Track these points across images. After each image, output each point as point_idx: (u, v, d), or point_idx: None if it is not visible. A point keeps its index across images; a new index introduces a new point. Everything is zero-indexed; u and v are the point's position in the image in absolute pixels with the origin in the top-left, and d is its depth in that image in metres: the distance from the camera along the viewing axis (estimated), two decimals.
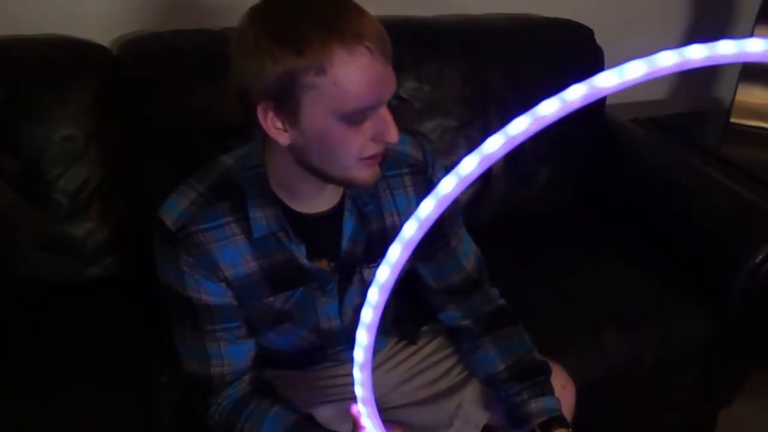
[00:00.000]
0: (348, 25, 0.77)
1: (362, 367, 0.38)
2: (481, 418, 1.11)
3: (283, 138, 0.84)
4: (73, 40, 1.42)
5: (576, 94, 0.30)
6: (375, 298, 0.36)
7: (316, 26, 0.77)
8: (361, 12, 0.80)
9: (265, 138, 0.89)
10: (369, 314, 0.36)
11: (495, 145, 0.31)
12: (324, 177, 0.88)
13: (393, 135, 0.83)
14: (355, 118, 0.81)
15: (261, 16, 0.80)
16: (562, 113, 0.30)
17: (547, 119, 0.30)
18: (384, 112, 0.83)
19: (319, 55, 0.76)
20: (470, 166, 0.32)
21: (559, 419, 1.02)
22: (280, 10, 0.80)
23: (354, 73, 0.78)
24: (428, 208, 0.33)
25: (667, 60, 0.29)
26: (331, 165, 0.86)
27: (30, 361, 1.21)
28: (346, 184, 0.92)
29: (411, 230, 0.34)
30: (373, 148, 0.85)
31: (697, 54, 0.29)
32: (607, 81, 0.30)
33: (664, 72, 0.30)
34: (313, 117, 0.81)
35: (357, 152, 0.84)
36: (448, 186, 0.33)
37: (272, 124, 0.83)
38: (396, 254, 0.35)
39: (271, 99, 0.81)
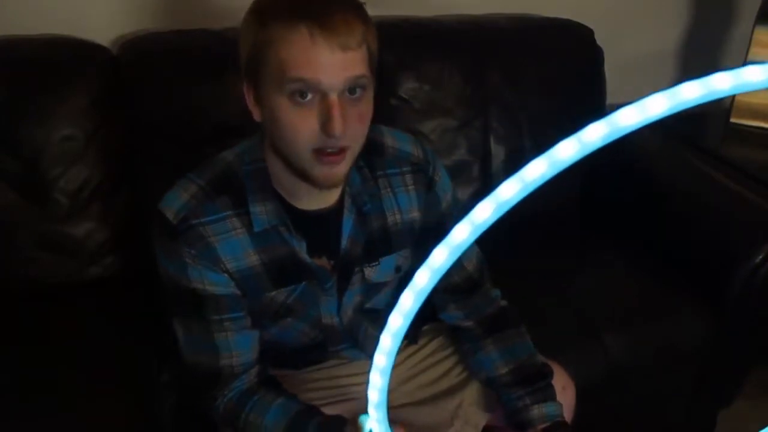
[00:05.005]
0: (306, 6, 0.81)
1: (382, 372, 0.37)
2: (482, 418, 1.11)
3: (256, 113, 0.89)
4: (73, 40, 1.42)
5: (595, 134, 0.29)
6: (388, 344, 0.36)
7: (287, 5, 0.82)
8: (335, 1, 0.83)
9: (263, 133, 0.91)
10: (398, 319, 0.35)
11: (510, 191, 0.30)
12: (288, 164, 0.89)
13: (335, 127, 0.82)
14: (294, 89, 0.82)
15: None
16: (582, 154, 0.29)
17: (565, 162, 0.29)
18: (332, 101, 0.82)
19: (270, 28, 0.82)
20: (484, 213, 0.30)
21: (561, 424, 1.03)
22: None
23: (292, 48, 0.81)
24: (441, 257, 0.32)
25: (692, 92, 0.28)
26: (287, 150, 0.87)
27: (30, 361, 1.21)
28: (304, 178, 0.90)
29: (423, 279, 0.33)
30: (322, 140, 0.84)
31: (723, 83, 0.28)
32: (629, 117, 0.29)
33: (689, 104, 0.28)
34: (268, 93, 0.85)
35: (306, 138, 0.84)
36: (462, 234, 0.31)
37: (250, 100, 0.89)
38: (408, 303, 0.34)
39: (246, 74, 0.87)
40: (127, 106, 1.41)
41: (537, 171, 0.29)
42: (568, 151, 0.28)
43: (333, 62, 0.81)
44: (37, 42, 1.40)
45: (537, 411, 1.03)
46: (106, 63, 1.42)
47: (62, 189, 1.36)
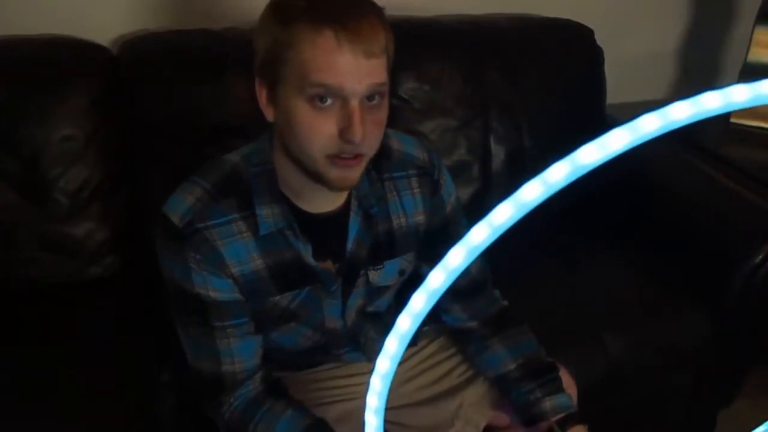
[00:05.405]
0: (330, 8, 0.80)
1: (383, 377, 0.37)
2: (482, 418, 1.11)
3: (268, 113, 0.87)
4: (73, 40, 1.42)
5: (618, 142, 0.28)
6: (393, 348, 0.35)
7: (312, 5, 0.80)
8: (359, 5, 0.82)
9: (272, 134, 0.90)
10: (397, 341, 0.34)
11: (532, 193, 0.29)
12: (299, 166, 0.88)
13: (355, 134, 0.81)
14: (314, 93, 0.81)
15: None
16: (603, 160, 0.28)
17: (587, 166, 0.28)
18: (353, 107, 0.82)
19: (294, 29, 0.80)
20: (504, 215, 0.30)
21: (574, 415, 1.03)
22: None
23: (316, 51, 0.79)
24: (458, 258, 0.31)
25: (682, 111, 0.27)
26: (300, 153, 0.86)
27: (30, 361, 1.21)
28: (317, 180, 0.89)
29: (438, 280, 0.33)
30: (339, 146, 0.83)
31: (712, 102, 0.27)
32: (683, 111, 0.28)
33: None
34: (286, 94, 0.83)
35: (322, 143, 0.83)
36: (479, 236, 0.31)
37: (263, 99, 0.87)
38: (419, 304, 0.33)
39: (260, 72, 0.85)
40: (127, 106, 1.41)
41: (559, 174, 0.28)
42: (590, 155, 0.28)
43: (357, 69, 0.80)
44: (37, 42, 1.40)
45: (549, 403, 1.03)
46: (106, 63, 1.42)
47: (62, 189, 1.36)
